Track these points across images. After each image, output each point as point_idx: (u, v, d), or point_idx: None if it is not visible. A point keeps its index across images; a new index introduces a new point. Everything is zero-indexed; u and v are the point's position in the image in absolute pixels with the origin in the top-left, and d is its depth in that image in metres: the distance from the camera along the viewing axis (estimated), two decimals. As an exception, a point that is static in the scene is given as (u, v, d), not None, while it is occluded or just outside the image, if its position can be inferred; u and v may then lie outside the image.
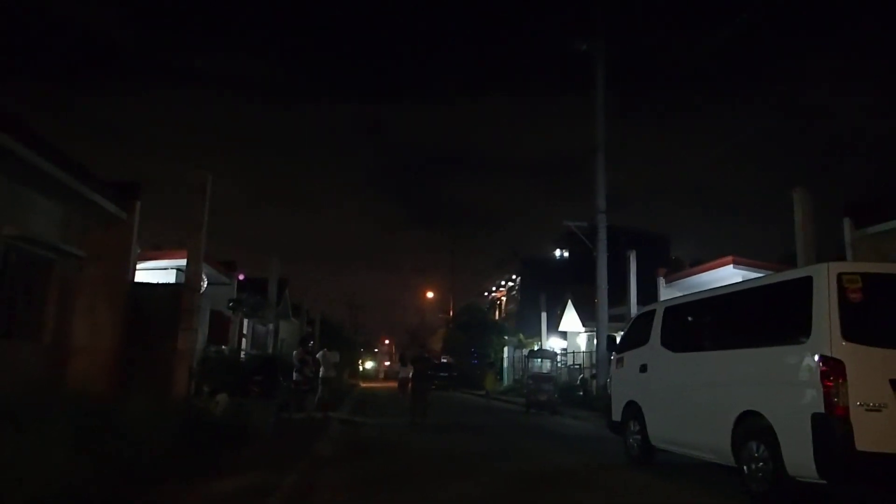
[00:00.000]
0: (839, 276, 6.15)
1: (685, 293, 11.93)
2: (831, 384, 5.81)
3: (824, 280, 6.19)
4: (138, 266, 12.36)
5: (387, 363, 78.40)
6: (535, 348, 30.75)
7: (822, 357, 5.93)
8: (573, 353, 29.96)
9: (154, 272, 15.41)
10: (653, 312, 9.50)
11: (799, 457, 6.00)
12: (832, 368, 5.84)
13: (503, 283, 51.92)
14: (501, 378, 37.81)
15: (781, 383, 6.42)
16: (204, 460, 6.98)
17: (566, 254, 44.21)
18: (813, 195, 12.73)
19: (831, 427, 5.77)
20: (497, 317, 50.76)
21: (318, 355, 16.67)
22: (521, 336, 37.30)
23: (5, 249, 9.02)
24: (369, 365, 68.64)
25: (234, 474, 6.72)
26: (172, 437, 6.68)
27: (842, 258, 11.30)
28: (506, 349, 40.27)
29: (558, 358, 29.12)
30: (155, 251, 15.54)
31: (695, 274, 18.46)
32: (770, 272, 12.14)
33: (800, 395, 6.12)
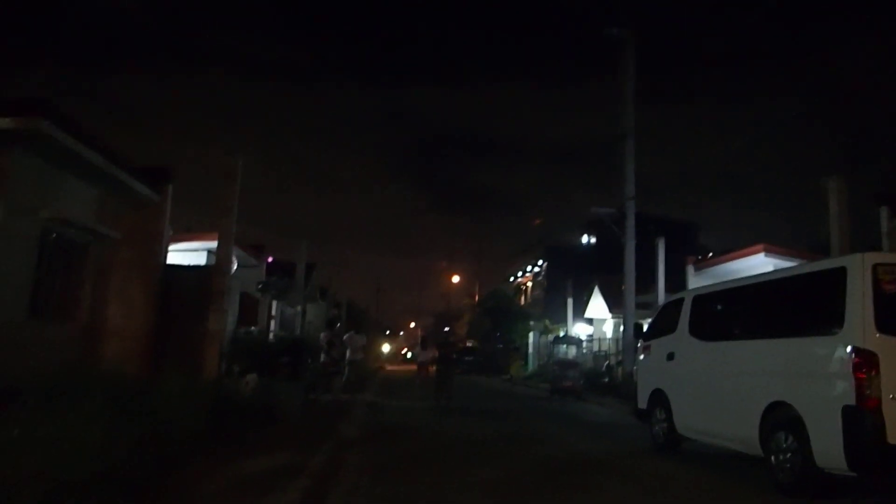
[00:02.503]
0: (874, 266, 6.03)
1: (715, 281, 11.79)
2: (864, 376, 5.72)
3: (859, 271, 6.08)
4: (171, 248, 12.60)
5: (405, 350, 76.64)
6: (561, 334, 30.70)
7: (854, 349, 5.83)
8: (599, 339, 29.85)
9: (185, 254, 15.71)
10: (681, 300, 9.41)
11: (828, 448, 5.93)
12: (865, 360, 5.75)
13: (529, 268, 51.77)
14: (526, 364, 37.84)
15: (812, 374, 6.33)
16: (233, 440, 7.14)
17: (593, 240, 43.93)
18: (848, 183, 12.45)
19: (862, 419, 5.69)
20: (522, 302, 50.69)
21: (344, 338, 16.86)
22: (547, 322, 37.23)
23: (43, 232, 9.27)
24: (385, 349, 65.38)
25: (263, 454, 6.87)
26: (203, 416, 6.84)
27: (877, 248, 11.06)
28: (531, 335, 40.26)
29: (584, 344, 29.04)
30: (186, 234, 15.82)
31: (725, 262, 18.22)
32: (802, 261, 11.95)
33: (831, 387, 6.03)
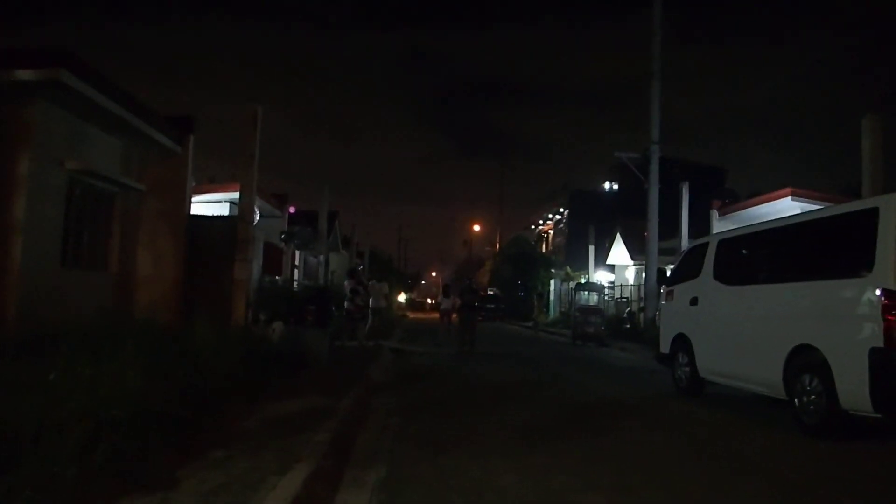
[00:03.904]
0: (908, 207, 5.91)
1: (739, 226, 11.64)
2: (893, 318, 5.67)
3: (892, 211, 5.95)
4: (194, 199, 12.70)
5: (430, 299, 74.81)
6: (583, 281, 30.71)
7: (884, 291, 5.76)
8: (621, 286, 29.84)
9: (209, 205, 15.85)
10: (706, 245, 9.34)
11: (854, 391, 5.93)
12: (894, 303, 5.69)
13: (551, 216, 51.53)
14: (548, 310, 38.04)
15: (839, 317, 6.29)
16: (263, 384, 7.32)
17: (616, 186, 43.46)
18: (884, 122, 12.07)
19: (890, 362, 5.66)
20: (544, 250, 50.64)
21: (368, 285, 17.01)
22: (569, 269, 37.24)
23: (70, 183, 9.38)
24: (401, 298, 60.61)
25: (293, 398, 7.04)
26: (234, 362, 6.99)
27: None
28: (553, 282, 40.35)
29: (606, 291, 29.05)
30: (209, 185, 15.92)
31: (750, 206, 17.95)
32: (831, 205, 11.72)
33: (858, 330, 6.00)
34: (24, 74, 7.84)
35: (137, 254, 10.98)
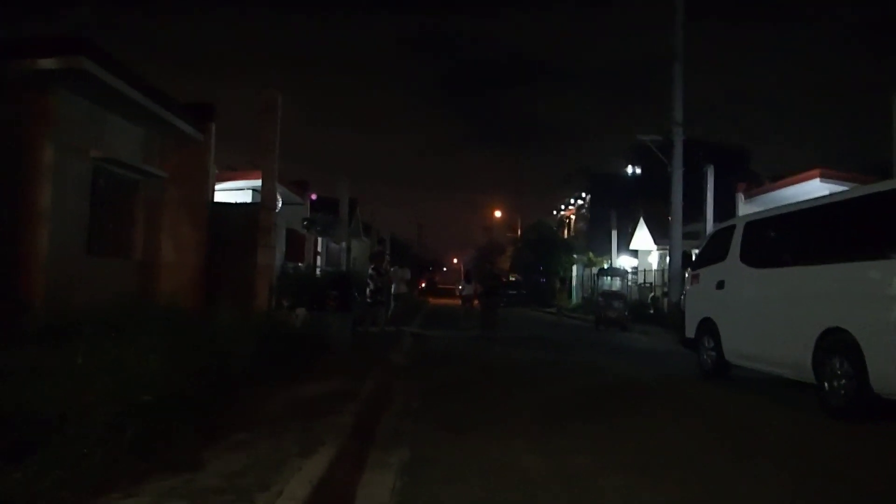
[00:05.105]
0: (942, 185, 5.73)
1: (765, 208, 11.42)
2: (926, 299, 5.52)
3: (925, 190, 5.79)
4: (217, 187, 12.78)
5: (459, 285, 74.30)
6: (606, 266, 30.51)
7: (917, 271, 5.61)
8: (644, 271, 29.57)
9: (231, 193, 15.95)
10: (732, 228, 9.18)
11: (886, 373, 5.80)
12: (928, 283, 5.54)
13: (572, 201, 51.08)
14: (570, 296, 37.87)
15: (871, 299, 6.15)
16: (287, 369, 7.36)
17: (638, 170, 42.93)
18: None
19: (923, 343, 5.52)
20: (566, 235, 50.33)
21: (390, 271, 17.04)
22: (591, 254, 36.98)
23: (94, 171, 9.47)
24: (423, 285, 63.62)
25: (316, 381, 7.07)
26: (258, 346, 7.04)
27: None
28: (575, 267, 40.13)
29: (629, 276, 28.84)
30: (231, 172, 16.02)
31: (777, 188, 17.62)
32: (860, 185, 11.45)
33: (890, 311, 5.85)
34: (46, 63, 7.89)
35: (160, 241, 11.07)
